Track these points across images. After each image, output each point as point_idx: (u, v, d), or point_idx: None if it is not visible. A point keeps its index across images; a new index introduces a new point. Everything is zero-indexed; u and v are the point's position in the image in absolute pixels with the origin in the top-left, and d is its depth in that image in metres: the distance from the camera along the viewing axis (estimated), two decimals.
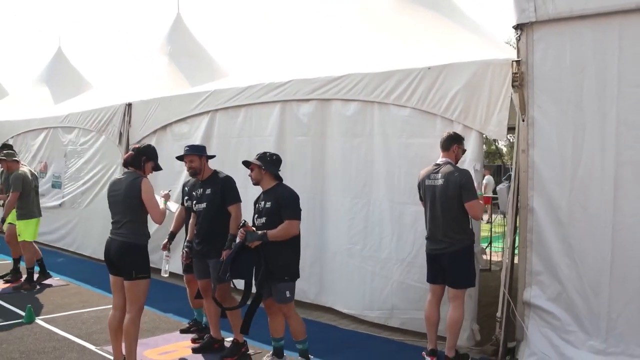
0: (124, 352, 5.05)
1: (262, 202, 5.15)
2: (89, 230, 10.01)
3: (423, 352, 5.43)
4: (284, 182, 5.28)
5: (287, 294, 5.03)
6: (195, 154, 5.61)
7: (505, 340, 5.44)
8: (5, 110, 14.22)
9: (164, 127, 8.79)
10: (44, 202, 11.07)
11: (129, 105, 9.34)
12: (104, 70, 14.86)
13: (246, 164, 5.30)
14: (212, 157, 5.83)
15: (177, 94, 8.78)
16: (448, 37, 7.17)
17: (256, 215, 5.20)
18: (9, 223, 8.24)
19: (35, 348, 5.70)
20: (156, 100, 8.96)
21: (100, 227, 8.95)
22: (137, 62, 12.50)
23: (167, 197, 5.48)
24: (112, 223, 5.10)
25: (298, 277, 5.17)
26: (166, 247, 6.00)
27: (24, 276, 8.21)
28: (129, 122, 9.30)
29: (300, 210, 5.12)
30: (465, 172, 5.18)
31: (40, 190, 11.01)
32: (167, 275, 5.97)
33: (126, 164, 5.17)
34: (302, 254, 5.24)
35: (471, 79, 5.67)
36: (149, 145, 5.35)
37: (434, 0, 8.05)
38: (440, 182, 5.20)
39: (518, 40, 5.22)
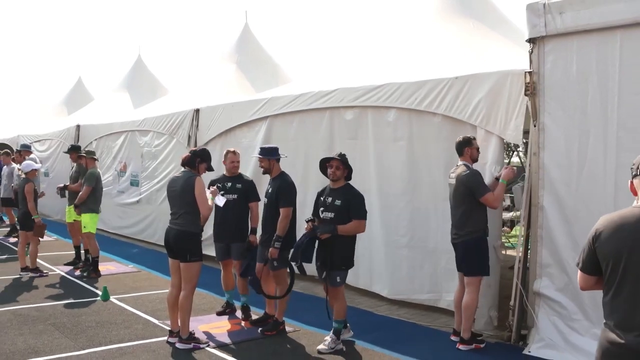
0: (179, 324, 5.92)
1: (330, 198, 5.79)
2: (165, 223, 11.04)
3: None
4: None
5: (338, 279, 5.78)
6: (264, 157, 6.40)
7: (519, 327, 5.92)
8: (90, 114, 15.69)
9: (227, 131, 9.69)
10: (124, 199, 12.35)
11: (197, 110, 10.32)
12: (179, 77, 15.91)
13: (325, 160, 5.91)
14: (278, 158, 6.46)
15: (239, 101, 9.65)
16: (484, 46, 7.64)
17: (322, 209, 5.85)
18: (74, 220, 9.43)
19: (108, 320, 6.71)
20: (220, 107, 9.89)
21: None
22: (207, 69, 13.48)
23: (214, 193, 6.29)
24: (171, 214, 6.00)
25: (352, 266, 5.90)
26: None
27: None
28: (197, 126, 10.28)
29: (366, 211, 5.82)
30: (473, 173, 5.72)
31: (120, 188, 12.31)
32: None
33: (183, 164, 6.05)
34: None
35: (493, 87, 6.17)
36: (204, 149, 6.23)
37: (482, 11, 8.52)
38: (453, 181, 5.83)
39: (531, 53, 5.71)
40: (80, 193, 8.88)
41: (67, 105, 18.96)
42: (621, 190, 5.14)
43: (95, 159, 9.23)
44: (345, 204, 5.70)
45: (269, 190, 6.37)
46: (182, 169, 6.09)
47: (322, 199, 5.91)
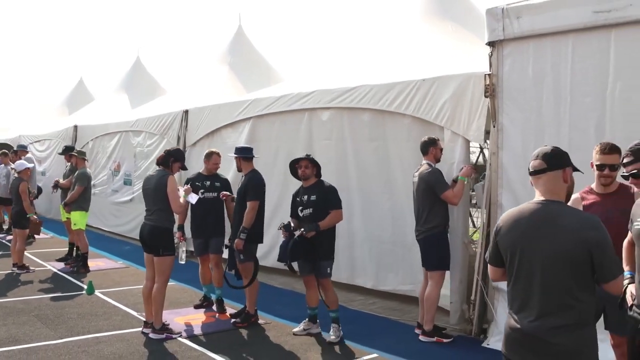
0: (153, 315, 6.17)
1: (306, 196, 6.10)
2: None
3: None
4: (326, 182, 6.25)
5: (328, 270, 6.10)
6: (236, 155, 6.72)
7: (480, 321, 6.13)
8: (88, 114, 16.01)
9: (214, 132, 9.96)
10: (118, 197, 12.63)
11: (186, 111, 10.60)
12: (176, 78, 16.16)
13: (294, 161, 6.27)
14: (250, 157, 6.71)
15: (225, 102, 9.91)
16: (459, 48, 7.84)
17: (300, 208, 6.15)
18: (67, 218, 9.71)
19: (89, 312, 6.99)
20: (208, 108, 10.15)
21: None
22: (200, 71, 13.76)
23: (188, 192, 6.55)
24: (146, 211, 6.28)
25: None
26: (181, 238, 7.05)
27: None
28: (186, 127, 10.56)
29: (340, 200, 6.13)
30: (433, 171, 5.95)
31: (114, 187, 12.60)
32: (183, 262, 6.91)
33: (158, 163, 6.32)
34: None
35: (457, 89, 6.39)
36: (178, 149, 6.53)
37: (463, 13, 8.75)
38: (416, 179, 6.07)
39: (490, 56, 5.93)
40: (72, 192, 9.18)
41: (68, 106, 19.29)
42: (574, 190, 5.32)
43: (85, 159, 9.53)
44: (320, 197, 6.00)
45: (239, 187, 6.63)
46: (157, 167, 6.36)
47: (298, 199, 6.20)
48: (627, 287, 3.48)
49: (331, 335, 6.05)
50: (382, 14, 9.99)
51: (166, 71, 17.04)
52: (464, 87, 6.32)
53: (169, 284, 6.31)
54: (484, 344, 5.87)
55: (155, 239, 6.11)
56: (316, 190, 6.09)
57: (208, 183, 7.13)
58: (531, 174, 2.98)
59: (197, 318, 6.86)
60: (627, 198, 4.39)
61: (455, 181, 6.18)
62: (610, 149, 4.35)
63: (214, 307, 7.17)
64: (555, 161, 2.92)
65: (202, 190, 7.05)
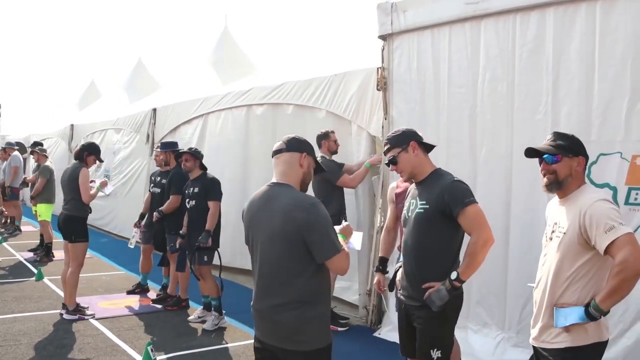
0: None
1: (191, 188, 6.38)
2: (125, 216, 11.76)
3: None
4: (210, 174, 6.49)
5: (205, 258, 6.26)
6: (162, 150, 7.17)
7: (377, 311, 6.24)
8: (87, 114, 16.67)
9: (176, 128, 10.32)
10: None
11: (154, 110, 11.01)
12: (172, 77, 16.55)
13: (179, 154, 6.56)
14: (176, 151, 7.06)
15: (184, 100, 10.28)
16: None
17: (187, 199, 6.42)
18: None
19: (26, 295, 7.42)
20: (171, 106, 10.54)
21: (134, 213, 10.58)
22: (187, 71, 14.15)
23: (103, 184, 6.93)
24: (63, 200, 6.66)
25: (218, 246, 6.37)
26: (136, 225, 7.52)
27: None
28: (154, 124, 10.97)
29: (221, 193, 6.33)
30: (324, 162, 6.05)
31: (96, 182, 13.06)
32: (132, 246, 7.40)
33: (75, 157, 6.71)
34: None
35: (362, 83, 6.53)
36: (92, 143, 6.92)
37: None
38: None
39: (382, 49, 6.05)
40: (37, 185, 9.71)
41: (80, 106, 20.05)
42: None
43: (46, 155, 10.09)
44: (202, 189, 6.24)
45: (194, 190, 6.43)
46: (74, 161, 6.78)
47: (186, 191, 6.45)
48: (398, 270, 3.61)
49: (207, 323, 6.26)
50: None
51: (165, 71, 17.38)
52: (368, 81, 6.45)
53: (117, 272, 6.68)
54: (376, 334, 5.98)
55: (68, 227, 6.49)
56: (199, 182, 6.32)
57: (159, 179, 7.40)
58: (272, 155, 3.05)
59: (121, 303, 7.19)
60: None
61: None
62: None
63: (151, 295, 7.50)
64: (294, 145, 2.98)
65: (152, 185, 7.45)
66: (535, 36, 4.84)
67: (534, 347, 3.00)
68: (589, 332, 2.78)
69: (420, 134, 4.97)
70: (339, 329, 6.15)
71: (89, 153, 6.66)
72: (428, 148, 3.55)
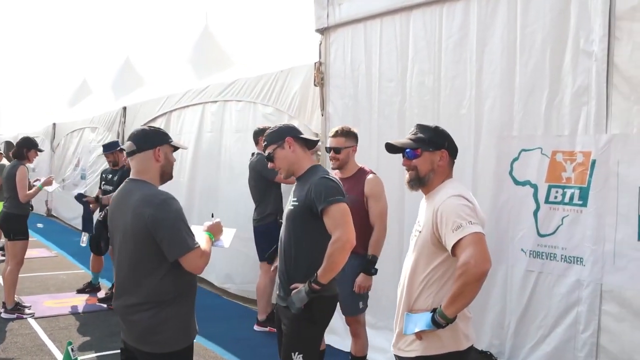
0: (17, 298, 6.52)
1: (110, 175, 6.98)
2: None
3: None
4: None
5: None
6: (104, 152, 7.27)
7: None
8: (75, 111, 16.66)
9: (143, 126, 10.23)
10: (76, 191, 13.09)
11: (124, 108, 10.94)
12: (159, 75, 16.47)
13: (120, 150, 6.71)
14: (122, 150, 7.00)
15: (151, 99, 10.18)
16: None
17: (103, 183, 6.98)
18: None
19: None
20: (139, 104, 10.46)
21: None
22: (167, 69, 14.05)
23: (47, 183, 6.87)
24: (3, 198, 6.60)
25: None
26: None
27: None
28: (124, 122, 10.90)
29: None
30: (259, 159, 5.88)
31: (73, 181, 13.08)
32: (84, 245, 7.31)
33: (14, 156, 6.64)
34: None
35: (304, 79, 6.38)
36: (26, 138, 6.84)
37: None
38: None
39: (320, 44, 5.89)
40: None
41: (70, 105, 20.02)
42: (382, 176, 5.23)
43: (1, 154, 10.15)
44: (119, 178, 6.57)
45: (113, 178, 7.07)
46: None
47: (103, 175, 7.05)
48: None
49: None
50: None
51: (150, 69, 17.24)
52: (310, 77, 6.29)
53: (77, 271, 6.60)
54: None
55: (7, 225, 6.42)
56: (117, 173, 6.86)
57: (110, 176, 7.32)
58: (126, 155, 3.00)
59: (67, 302, 7.10)
60: (363, 182, 4.38)
61: None
62: (336, 133, 4.36)
63: (101, 294, 7.39)
64: (143, 143, 2.89)
65: (103, 182, 7.38)
66: (460, 27, 4.64)
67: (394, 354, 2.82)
68: (443, 341, 2.57)
69: (354, 130, 4.90)
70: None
71: (28, 149, 6.60)
72: (309, 143, 3.39)
